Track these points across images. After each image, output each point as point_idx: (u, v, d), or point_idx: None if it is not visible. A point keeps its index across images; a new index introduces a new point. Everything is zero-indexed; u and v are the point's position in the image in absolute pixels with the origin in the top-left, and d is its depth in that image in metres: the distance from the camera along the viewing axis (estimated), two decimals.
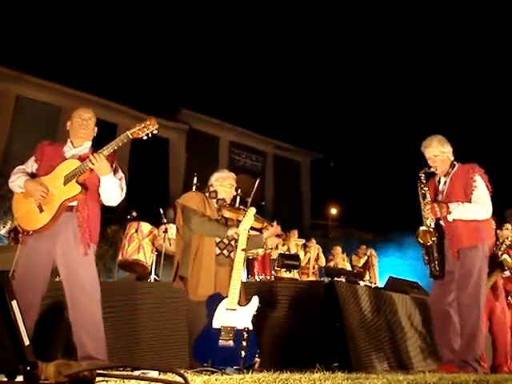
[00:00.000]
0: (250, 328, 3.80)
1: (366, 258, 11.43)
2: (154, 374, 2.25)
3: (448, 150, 4.46)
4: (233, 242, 4.37)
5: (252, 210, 4.29)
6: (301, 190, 24.67)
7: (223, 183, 4.62)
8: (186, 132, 20.89)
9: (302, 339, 5.53)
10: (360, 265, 11.25)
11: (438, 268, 4.41)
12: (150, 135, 3.81)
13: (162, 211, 7.32)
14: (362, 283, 7.66)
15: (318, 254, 10.46)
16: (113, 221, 11.18)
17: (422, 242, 4.50)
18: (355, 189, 26.86)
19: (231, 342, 3.72)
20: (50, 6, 22.94)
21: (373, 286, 7.71)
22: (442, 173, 4.49)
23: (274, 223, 4.60)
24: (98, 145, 4.01)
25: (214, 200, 4.56)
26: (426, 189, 4.51)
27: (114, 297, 5.29)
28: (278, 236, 5.02)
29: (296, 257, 8.29)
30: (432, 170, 4.52)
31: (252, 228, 4.39)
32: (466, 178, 4.30)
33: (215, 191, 4.61)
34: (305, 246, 10.53)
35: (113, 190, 3.94)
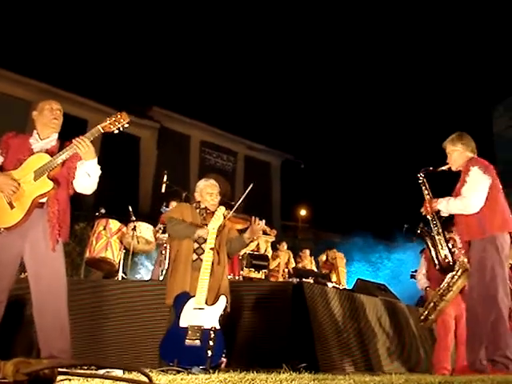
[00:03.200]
0: (217, 328, 3.78)
1: (327, 261, 11.44)
2: (119, 372, 2.21)
3: (459, 147, 4.49)
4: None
5: (221, 209, 4.29)
6: (271, 191, 24.68)
7: (202, 193, 4.68)
8: (157, 130, 20.75)
9: (270, 340, 5.51)
10: (323, 268, 11.24)
11: (438, 261, 4.51)
12: (121, 129, 3.76)
13: (130, 209, 7.25)
14: (330, 285, 7.69)
15: (288, 259, 10.44)
16: (81, 218, 11.06)
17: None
18: (325, 191, 26.97)
19: (198, 342, 3.69)
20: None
21: (340, 287, 7.74)
22: (457, 169, 4.53)
23: (257, 220, 4.59)
24: (67, 140, 3.93)
25: (198, 210, 4.60)
26: (423, 188, 4.57)
27: (80, 295, 5.22)
28: (264, 233, 5.08)
29: (265, 257, 8.28)
30: (430, 168, 4.67)
31: (239, 230, 4.46)
32: (466, 172, 4.31)
33: (199, 201, 4.66)
34: (274, 246, 10.49)
35: (95, 175, 3.87)
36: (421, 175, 4.64)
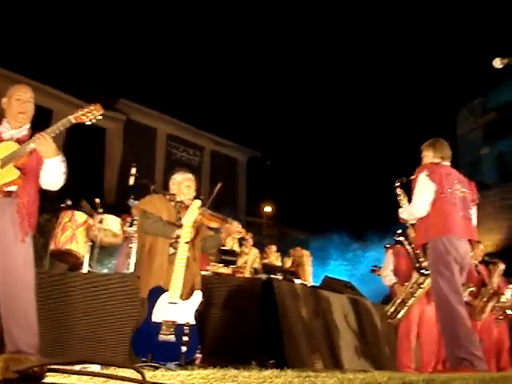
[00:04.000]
0: (192, 323, 3.72)
1: (293, 258, 11.48)
2: (96, 367, 2.14)
3: (430, 154, 4.65)
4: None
5: (196, 203, 4.22)
6: (237, 187, 24.63)
7: (180, 186, 4.60)
8: (123, 122, 20.47)
9: (239, 335, 5.49)
10: (289, 265, 11.26)
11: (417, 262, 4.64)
12: (93, 121, 3.67)
13: (98, 201, 7.12)
14: (298, 281, 7.70)
15: (255, 253, 10.42)
16: (45, 209, 10.82)
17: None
18: (291, 188, 27.09)
19: (172, 337, 3.63)
20: None
21: (308, 284, 7.76)
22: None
23: (232, 220, 4.60)
24: (36, 130, 3.82)
25: (173, 203, 4.51)
26: (399, 197, 4.70)
27: (44, 287, 5.09)
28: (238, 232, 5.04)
29: (233, 252, 8.24)
30: (405, 178, 4.78)
31: (211, 228, 4.41)
32: (416, 179, 4.47)
33: (174, 194, 4.57)
34: (241, 242, 10.44)
35: (58, 173, 3.76)
36: (397, 185, 4.75)
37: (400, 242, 5.15)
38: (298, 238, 21.30)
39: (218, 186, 4.56)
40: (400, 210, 4.62)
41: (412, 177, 4.71)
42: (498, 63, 3.28)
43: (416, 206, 4.37)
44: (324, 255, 19.49)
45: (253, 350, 5.42)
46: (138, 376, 1.44)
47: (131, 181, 7.54)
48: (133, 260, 6.45)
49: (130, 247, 6.86)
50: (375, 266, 11.30)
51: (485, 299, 6.87)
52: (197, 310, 3.85)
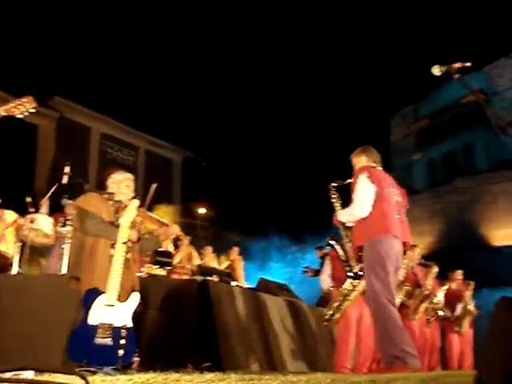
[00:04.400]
0: (129, 325, 3.62)
1: (228, 260, 11.49)
2: (29, 374, 2.04)
3: (363, 159, 4.77)
4: (129, 243, 4.18)
5: (134, 203, 4.13)
6: (172, 187, 24.42)
7: (120, 185, 4.47)
8: (56, 120, 19.94)
9: (175, 338, 5.42)
10: (223, 267, 11.25)
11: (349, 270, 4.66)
12: (25, 114, 3.53)
13: (29, 200, 6.88)
14: (234, 283, 7.68)
15: (191, 253, 10.34)
16: None
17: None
18: (226, 190, 27.05)
19: (109, 340, 3.52)
20: None
21: (246, 286, 7.75)
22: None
23: (171, 224, 4.54)
24: None
25: (111, 202, 4.37)
26: (333, 200, 4.72)
27: None
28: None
29: (168, 254, 8.13)
30: (339, 182, 4.88)
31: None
32: (355, 181, 4.52)
33: (112, 193, 4.43)
34: (175, 243, 10.34)
35: None
36: (331, 188, 4.79)
37: (331, 246, 5.17)
38: (233, 240, 21.29)
39: (154, 186, 4.47)
40: (338, 213, 4.64)
41: (348, 180, 4.79)
42: (436, 71, 3.34)
43: (358, 207, 4.41)
44: (265, 258, 19.57)
45: (189, 353, 5.36)
46: (79, 381, 1.37)
47: (65, 179, 7.34)
48: (65, 261, 6.26)
49: (63, 248, 6.66)
50: (306, 268, 11.44)
51: (419, 300, 7.04)
52: (134, 312, 3.76)
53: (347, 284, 5.44)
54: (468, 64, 3.27)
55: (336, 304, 5.61)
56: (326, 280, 6.16)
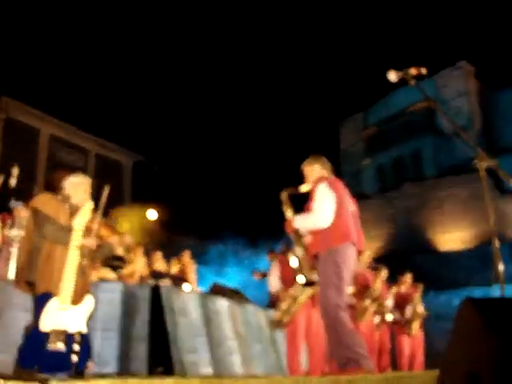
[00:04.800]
0: (84, 330, 3.53)
1: (180, 264, 11.39)
2: None
3: (316, 168, 4.74)
4: (86, 250, 4.05)
5: (88, 205, 4.03)
6: (122, 191, 24.09)
7: (77, 188, 4.31)
8: (3, 121, 19.43)
9: (128, 343, 5.36)
10: (176, 271, 11.15)
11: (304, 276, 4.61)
12: None
13: None
14: (186, 288, 7.63)
15: (141, 258, 10.19)
16: None
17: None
18: (177, 194, 26.90)
19: (62, 346, 3.41)
20: None
21: (199, 290, 7.71)
22: (310, 189, 4.69)
23: (126, 235, 4.45)
24: None
25: (67, 205, 4.22)
26: (285, 207, 4.69)
27: None
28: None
29: (121, 258, 8.01)
30: (291, 189, 4.79)
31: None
32: (314, 189, 4.50)
33: (68, 196, 4.27)
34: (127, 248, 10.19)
35: None
36: (283, 196, 4.77)
37: (284, 253, 5.16)
38: (185, 244, 21.16)
39: (106, 190, 4.34)
40: (295, 218, 4.60)
41: (303, 189, 4.77)
42: (392, 76, 3.37)
43: (321, 217, 4.37)
44: (221, 262, 19.49)
45: (142, 358, 5.31)
46: None
47: (13, 182, 7.16)
48: (13, 265, 6.10)
49: (10, 251, 6.48)
50: (255, 270, 11.46)
51: (367, 303, 7.13)
52: (88, 317, 3.67)
53: (297, 287, 5.46)
54: (423, 70, 3.31)
55: (285, 307, 5.62)
56: (274, 282, 6.16)
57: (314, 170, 4.73)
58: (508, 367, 1.26)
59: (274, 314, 5.86)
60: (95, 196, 4.41)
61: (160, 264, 10.80)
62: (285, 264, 5.96)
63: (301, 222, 4.54)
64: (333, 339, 4.28)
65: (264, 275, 11.39)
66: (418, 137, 27.58)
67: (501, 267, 2.83)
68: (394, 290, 8.04)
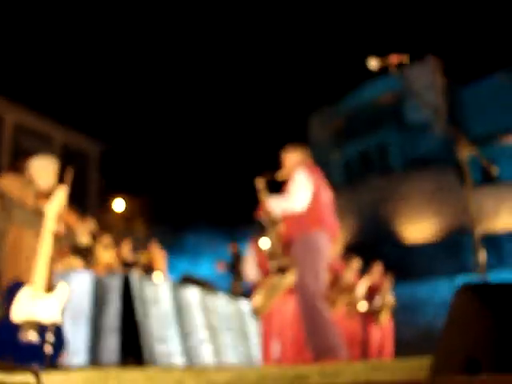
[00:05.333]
0: (58, 320, 3.43)
1: (149, 254, 11.32)
2: None
3: (295, 156, 4.75)
4: (55, 235, 3.91)
5: (63, 190, 3.91)
6: (89, 180, 23.78)
7: (45, 170, 4.13)
8: None
9: (98, 333, 5.28)
10: (145, 260, 11.07)
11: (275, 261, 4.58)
12: None
13: None
14: (157, 277, 7.57)
15: (110, 248, 10.08)
16: None
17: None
18: (144, 184, 26.73)
19: (35, 337, 3.31)
20: None
21: (169, 280, 7.64)
22: (288, 176, 4.67)
23: (89, 219, 4.33)
24: None
25: (32, 188, 4.02)
26: (261, 193, 4.69)
27: None
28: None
29: (91, 247, 7.89)
30: (268, 174, 4.75)
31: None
32: (293, 175, 4.49)
33: (33, 179, 4.08)
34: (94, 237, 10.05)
35: None
36: (259, 180, 4.75)
37: (257, 239, 5.13)
38: (157, 234, 21.05)
39: (69, 173, 4.19)
40: (271, 200, 4.56)
41: (279, 175, 4.77)
42: (373, 64, 3.34)
43: (296, 201, 4.37)
44: (197, 252, 19.42)
45: (112, 348, 5.24)
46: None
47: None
48: None
49: None
50: (218, 261, 11.44)
51: (338, 292, 7.15)
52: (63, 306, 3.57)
53: (275, 276, 5.44)
54: (405, 57, 3.29)
55: (262, 296, 5.60)
56: (251, 271, 6.11)
57: (293, 158, 4.72)
58: (507, 350, 1.25)
59: (251, 302, 5.82)
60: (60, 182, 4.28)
61: (129, 253, 10.71)
62: (261, 252, 5.94)
63: (276, 204, 4.52)
64: (309, 328, 4.27)
65: (228, 266, 11.39)
66: (384, 129, 27.85)
67: (483, 257, 2.83)
68: (367, 279, 8.08)
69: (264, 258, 5.64)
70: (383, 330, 8.42)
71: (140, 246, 11.71)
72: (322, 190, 4.53)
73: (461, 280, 20.19)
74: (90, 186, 23.83)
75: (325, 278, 4.46)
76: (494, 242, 21.43)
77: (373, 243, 20.08)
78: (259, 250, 6.03)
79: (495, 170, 2.83)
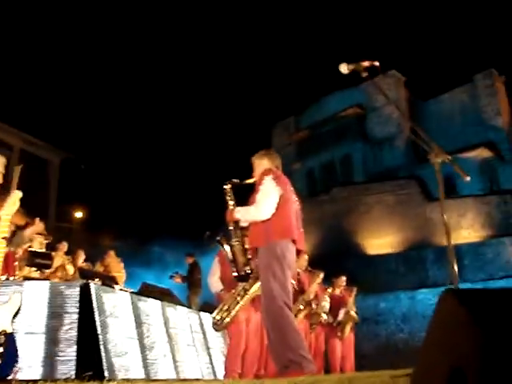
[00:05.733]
0: (9, 330, 3.25)
1: (103, 265, 11.12)
2: None
3: (265, 162, 4.64)
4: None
5: (17, 194, 3.74)
6: (48, 189, 23.30)
7: None
8: None
9: (55, 345, 5.07)
10: (101, 270, 10.85)
11: (237, 269, 4.49)
12: None
13: None
14: (117, 287, 7.35)
15: (65, 258, 9.83)
16: None
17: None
18: (103, 194, 26.39)
19: None
20: None
21: (129, 290, 7.43)
22: (256, 182, 4.58)
23: (37, 220, 4.14)
24: None
25: None
26: (228, 198, 4.57)
27: None
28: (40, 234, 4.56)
29: (48, 255, 7.64)
30: (236, 181, 4.67)
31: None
32: (260, 182, 4.40)
33: None
34: (49, 247, 9.80)
35: None
36: (227, 186, 4.65)
37: (221, 245, 4.95)
38: (109, 244, 20.74)
39: (17, 170, 4.00)
40: (237, 209, 4.47)
41: (248, 181, 4.68)
42: (344, 68, 3.29)
43: (261, 209, 4.27)
44: (163, 264, 19.14)
45: (70, 361, 5.04)
46: None
47: None
48: None
49: None
50: (175, 273, 11.26)
51: (301, 306, 7.06)
52: (15, 315, 3.39)
53: (239, 287, 5.33)
54: (376, 63, 3.25)
55: (226, 308, 5.48)
56: (215, 283, 5.99)
57: (263, 164, 4.63)
58: (494, 360, 1.16)
59: (213, 315, 5.68)
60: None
61: (84, 264, 10.48)
62: (225, 263, 5.82)
63: (243, 213, 4.43)
64: (276, 340, 4.13)
65: (184, 279, 11.21)
66: (348, 142, 28.08)
67: (455, 268, 2.76)
68: (330, 291, 8.02)
69: (229, 269, 5.51)
70: (346, 343, 8.38)
71: (100, 256, 11.47)
72: (290, 199, 4.44)
73: (421, 294, 20.44)
74: (50, 195, 23.36)
75: (290, 287, 4.34)
76: (455, 255, 21.59)
77: (335, 255, 20.09)
78: (224, 261, 5.91)
79: (467, 179, 2.77)
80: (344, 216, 23.76)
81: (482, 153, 25.41)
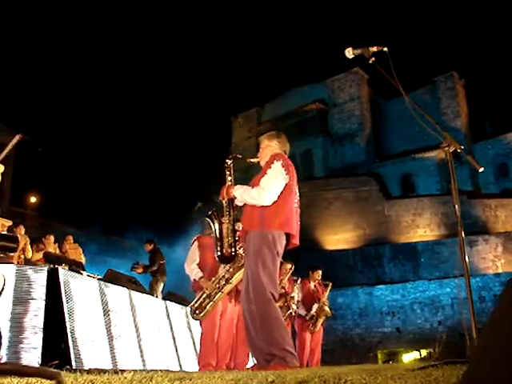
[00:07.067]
0: None
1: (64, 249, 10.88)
2: None
3: (275, 144, 4.44)
4: None
5: None
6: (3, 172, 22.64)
7: None
8: None
9: (20, 332, 4.86)
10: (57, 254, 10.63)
11: (222, 249, 4.30)
12: None
13: None
14: (84, 273, 7.15)
15: (25, 244, 9.56)
16: None
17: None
18: (59, 180, 25.85)
19: None
20: None
21: (97, 277, 7.23)
22: (263, 161, 4.42)
23: None
24: None
25: None
26: (228, 173, 4.35)
27: None
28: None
29: (14, 238, 7.31)
30: (239, 156, 4.60)
31: None
32: (269, 165, 4.19)
33: None
34: (9, 230, 9.51)
35: None
36: (228, 160, 4.42)
37: (211, 219, 4.69)
38: (64, 231, 20.36)
39: (16, 138, 3.77)
40: (236, 187, 4.24)
41: (252, 160, 4.55)
42: (349, 53, 3.20)
43: (265, 194, 4.05)
44: (139, 254, 18.88)
45: (35, 349, 4.84)
46: None
47: None
48: None
49: None
50: (136, 263, 11.05)
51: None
52: None
53: (220, 275, 5.18)
54: (385, 49, 3.15)
55: (205, 295, 5.33)
56: (194, 269, 5.79)
57: (271, 146, 4.43)
58: None
59: (192, 303, 5.53)
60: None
61: (52, 248, 10.28)
62: (205, 249, 5.66)
63: (242, 193, 4.19)
64: (260, 333, 3.96)
65: (146, 268, 11.01)
66: (309, 137, 28.14)
67: (466, 260, 2.68)
68: (299, 283, 7.94)
69: (209, 256, 5.34)
70: (315, 337, 8.33)
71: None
72: (294, 190, 4.29)
73: (378, 290, 20.65)
74: (3, 180, 22.73)
75: (277, 278, 4.19)
76: (411, 252, 22.06)
77: (294, 250, 20.12)
78: (205, 247, 5.75)
79: (481, 169, 2.70)
80: (304, 211, 23.73)
81: (441, 153, 25.83)
